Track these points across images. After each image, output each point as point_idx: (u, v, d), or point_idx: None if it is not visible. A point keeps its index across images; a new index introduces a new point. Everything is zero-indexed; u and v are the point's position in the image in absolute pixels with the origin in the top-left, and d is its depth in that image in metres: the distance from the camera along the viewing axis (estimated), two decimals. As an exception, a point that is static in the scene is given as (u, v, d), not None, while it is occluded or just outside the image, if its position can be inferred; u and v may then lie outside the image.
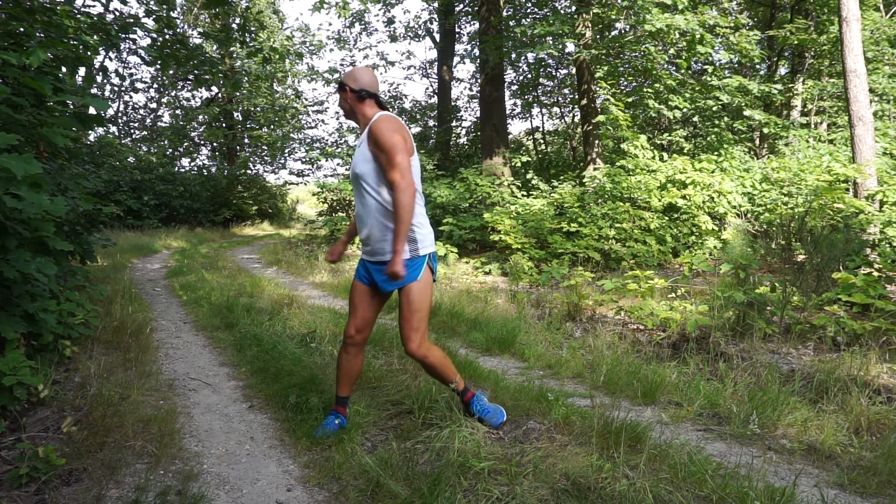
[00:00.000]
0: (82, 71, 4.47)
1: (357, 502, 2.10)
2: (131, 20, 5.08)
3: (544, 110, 20.37)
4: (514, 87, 18.68)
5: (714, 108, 11.58)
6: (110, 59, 20.43)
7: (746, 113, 11.35)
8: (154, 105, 22.48)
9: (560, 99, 19.25)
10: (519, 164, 12.88)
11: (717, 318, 4.48)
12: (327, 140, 21.18)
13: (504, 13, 12.48)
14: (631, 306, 4.88)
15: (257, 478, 2.31)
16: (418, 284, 2.45)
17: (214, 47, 17.12)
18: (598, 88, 10.76)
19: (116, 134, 20.42)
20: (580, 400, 3.09)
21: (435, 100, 17.93)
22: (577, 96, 12.80)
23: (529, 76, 18.25)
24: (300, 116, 22.65)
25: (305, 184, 22.09)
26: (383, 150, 2.35)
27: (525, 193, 11.22)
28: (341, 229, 10.95)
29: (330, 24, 51.29)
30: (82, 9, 4.91)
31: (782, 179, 9.25)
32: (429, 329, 4.71)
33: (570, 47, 11.73)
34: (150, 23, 5.87)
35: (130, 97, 26.48)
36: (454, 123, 17.83)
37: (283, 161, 22.73)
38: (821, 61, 13.69)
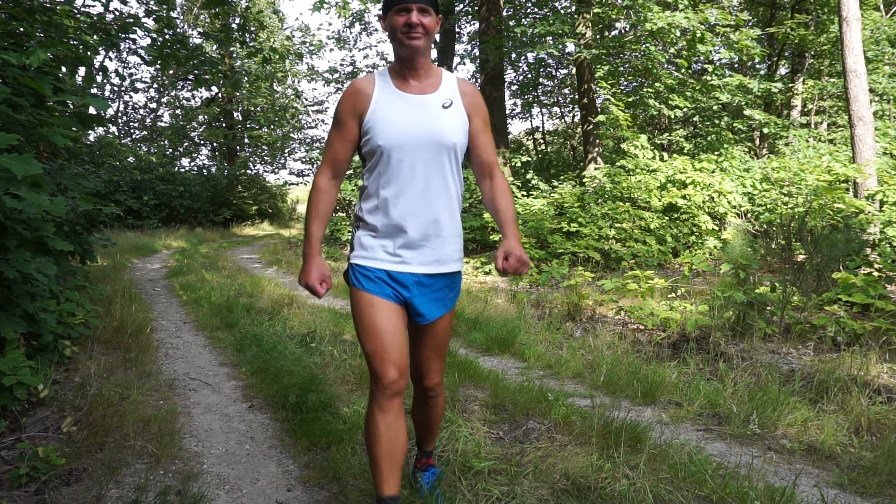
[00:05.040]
0: (82, 71, 4.47)
1: (357, 502, 2.10)
2: (131, 20, 5.07)
3: (544, 110, 20.39)
4: (514, 87, 18.68)
5: (714, 108, 11.58)
6: (110, 59, 20.47)
7: (746, 113, 11.35)
8: (154, 105, 22.49)
9: (560, 99, 19.26)
10: (519, 164, 12.88)
11: (717, 318, 4.48)
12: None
13: (504, 13, 12.48)
14: (631, 306, 4.88)
15: (257, 478, 2.31)
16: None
17: (214, 47, 17.12)
18: (598, 88, 10.75)
19: (116, 134, 20.42)
20: (580, 400, 3.09)
21: (435, 100, 17.86)
22: (577, 96, 12.79)
23: (529, 76, 18.25)
24: (300, 116, 22.65)
25: (305, 184, 22.09)
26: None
27: (525, 193, 11.22)
28: (341, 229, 10.90)
29: (330, 24, 51.33)
30: (82, 9, 4.91)
31: (782, 179, 9.24)
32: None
33: (570, 47, 11.72)
34: (150, 23, 5.87)
35: (130, 97, 26.52)
36: (454, 123, 17.80)
37: (283, 161, 22.76)
38: (821, 61, 13.69)
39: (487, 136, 1.88)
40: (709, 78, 10.97)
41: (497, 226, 1.94)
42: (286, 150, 22.49)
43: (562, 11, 12.11)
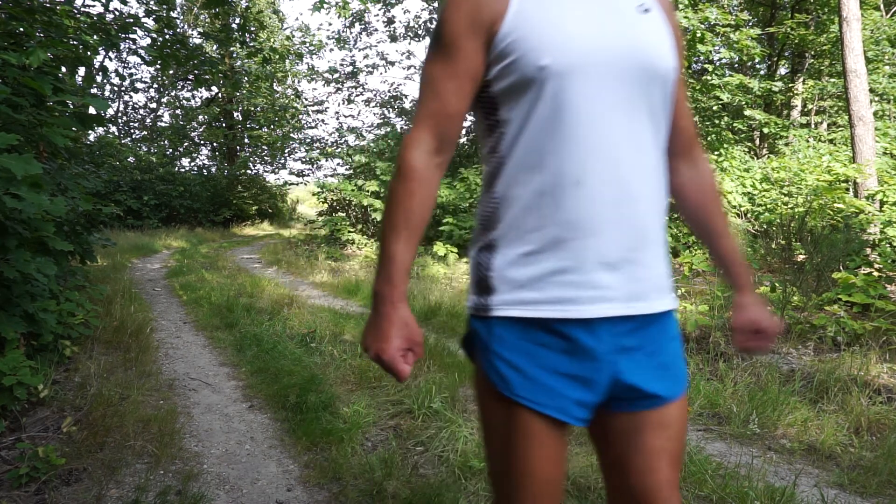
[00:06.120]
0: (82, 71, 4.47)
1: (357, 502, 2.10)
2: (131, 20, 5.08)
3: (544, 110, 20.37)
4: (514, 87, 18.65)
5: (714, 108, 11.58)
6: (110, 59, 20.47)
7: (747, 113, 11.35)
8: (154, 105, 22.49)
9: (560, 99, 19.22)
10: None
11: (717, 318, 4.48)
12: (327, 140, 21.19)
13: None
14: (631, 306, 4.87)
15: (257, 478, 2.31)
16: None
17: (214, 47, 17.12)
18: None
19: (116, 134, 20.42)
20: (580, 400, 3.09)
21: (435, 100, 17.85)
22: (577, 96, 12.76)
23: (529, 76, 18.22)
24: (300, 116, 22.65)
25: (305, 184, 22.10)
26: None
27: (525, 193, 11.19)
28: (341, 229, 10.84)
29: (330, 24, 51.26)
30: (82, 9, 4.91)
31: (782, 179, 9.25)
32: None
33: (570, 47, 11.70)
34: (150, 23, 5.87)
35: (130, 97, 26.51)
36: (454, 123, 17.80)
37: (283, 161, 22.76)
38: (821, 61, 13.69)
39: (683, 88, 1.09)
40: (709, 78, 10.97)
41: (710, 252, 1.15)
42: (286, 150, 22.49)
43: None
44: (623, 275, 0.93)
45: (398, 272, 0.94)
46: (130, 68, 20.92)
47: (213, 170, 20.55)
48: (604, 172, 0.91)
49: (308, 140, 22.20)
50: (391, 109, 18.68)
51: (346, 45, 19.19)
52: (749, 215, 9.32)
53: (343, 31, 22.89)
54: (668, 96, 0.98)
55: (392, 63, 19.45)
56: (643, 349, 0.96)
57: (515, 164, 0.94)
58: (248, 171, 20.39)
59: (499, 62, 0.94)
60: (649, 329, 0.97)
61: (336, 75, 18.88)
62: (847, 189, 8.18)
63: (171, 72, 14.75)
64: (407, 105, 18.87)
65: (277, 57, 10.52)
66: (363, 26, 18.56)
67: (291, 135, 22.46)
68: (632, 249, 0.94)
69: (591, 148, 0.91)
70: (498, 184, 0.97)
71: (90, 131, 11.71)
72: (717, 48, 10.34)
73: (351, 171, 12.44)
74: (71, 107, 3.60)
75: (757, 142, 14.01)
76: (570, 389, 0.93)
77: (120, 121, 21.27)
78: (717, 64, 12.72)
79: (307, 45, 22.06)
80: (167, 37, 6.03)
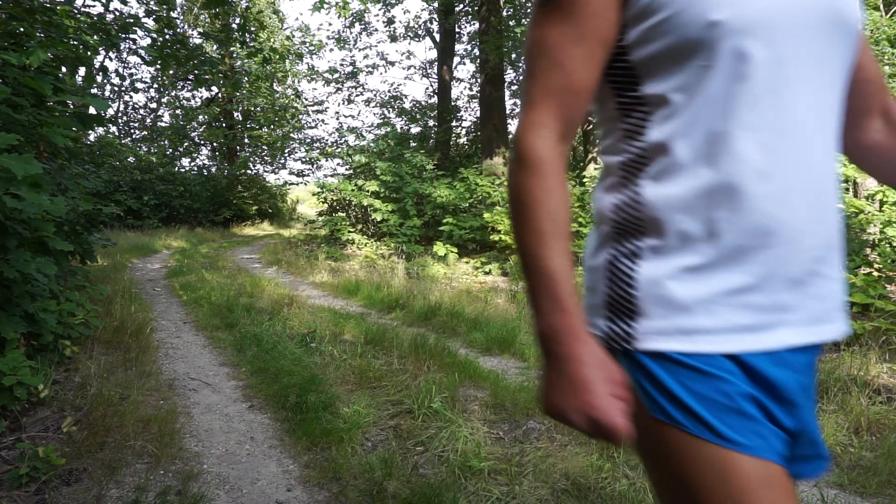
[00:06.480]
0: (82, 71, 4.48)
1: (357, 502, 2.10)
2: (131, 20, 5.08)
3: (544, 110, 20.38)
4: (514, 87, 18.70)
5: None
6: (110, 59, 20.46)
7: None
8: (154, 105, 22.50)
9: (560, 99, 19.21)
10: (519, 164, 12.84)
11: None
12: (327, 140, 21.24)
13: (504, 13, 12.49)
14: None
15: (257, 478, 2.31)
16: None
17: (214, 47, 17.12)
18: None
19: (116, 134, 20.44)
20: (580, 400, 3.09)
21: (435, 100, 17.94)
22: (577, 96, 12.77)
23: (529, 76, 18.20)
24: (300, 116, 22.67)
25: (305, 184, 22.13)
26: None
27: (525, 193, 11.18)
28: (341, 229, 10.83)
29: (330, 24, 51.28)
30: (82, 9, 4.91)
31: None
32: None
33: (570, 47, 11.70)
34: (150, 23, 5.87)
35: (130, 97, 26.52)
36: (454, 123, 17.84)
37: (283, 161, 22.79)
38: (821, 61, 13.70)
39: (863, 35, 0.85)
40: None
41: None
42: (286, 150, 22.52)
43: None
44: (806, 291, 0.72)
45: (567, 293, 0.71)
46: (130, 68, 20.95)
47: (213, 170, 20.58)
48: (795, 159, 0.70)
49: (308, 140, 22.25)
50: (391, 109, 18.70)
51: (346, 45, 19.22)
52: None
53: (343, 31, 22.92)
54: (854, 53, 0.78)
55: (392, 63, 19.47)
56: (809, 391, 0.76)
57: (672, 154, 0.72)
58: (248, 171, 20.42)
59: (643, 20, 0.72)
60: (812, 363, 0.76)
61: (336, 75, 18.90)
62: (847, 189, 8.18)
63: (171, 72, 14.75)
64: (407, 105, 18.90)
65: (277, 57, 10.54)
66: (363, 26, 18.58)
67: (291, 135, 22.50)
68: (819, 260, 0.72)
69: (781, 129, 0.69)
70: (644, 178, 0.75)
71: (90, 131, 11.70)
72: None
73: (351, 171, 12.44)
74: (71, 107, 3.60)
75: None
76: (770, 424, 0.70)
77: (120, 121, 21.29)
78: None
79: (307, 45, 22.08)
80: (167, 37, 6.04)
